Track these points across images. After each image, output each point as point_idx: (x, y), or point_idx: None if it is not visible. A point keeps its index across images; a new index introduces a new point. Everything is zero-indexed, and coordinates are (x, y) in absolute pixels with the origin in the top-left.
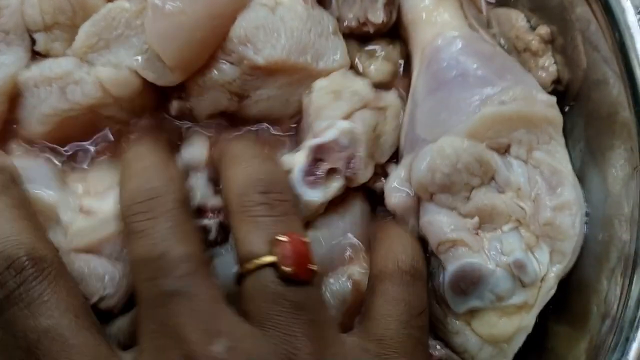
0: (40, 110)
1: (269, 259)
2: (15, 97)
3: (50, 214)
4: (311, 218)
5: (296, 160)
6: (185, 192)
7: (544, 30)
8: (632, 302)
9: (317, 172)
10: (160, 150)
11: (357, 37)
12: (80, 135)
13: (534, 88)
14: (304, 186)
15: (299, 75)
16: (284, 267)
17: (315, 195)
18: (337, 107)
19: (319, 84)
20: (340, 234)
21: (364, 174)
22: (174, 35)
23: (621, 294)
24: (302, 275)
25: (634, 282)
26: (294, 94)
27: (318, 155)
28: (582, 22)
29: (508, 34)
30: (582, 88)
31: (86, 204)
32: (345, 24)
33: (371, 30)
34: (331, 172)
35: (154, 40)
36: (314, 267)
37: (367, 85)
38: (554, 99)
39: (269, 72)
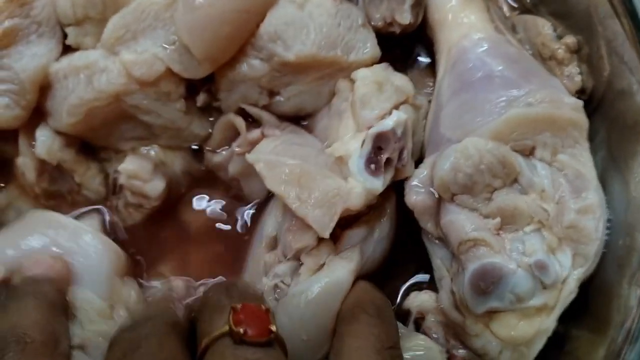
0: (69, 101)
1: (223, 328)
2: (46, 88)
3: None
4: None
5: (352, 146)
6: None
7: (570, 39)
8: None
9: (379, 161)
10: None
11: (383, 36)
12: (108, 128)
13: (561, 91)
14: (365, 173)
15: (330, 69)
16: (238, 329)
17: (378, 184)
18: (386, 99)
19: (362, 73)
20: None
21: (410, 168)
22: (204, 28)
23: None
24: (258, 336)
25: None
26: (325, 85)
27: (378, 143)
28: (609, 33)
29: (534, 41)
30: (605, 96)
31: None
32: (371, 24)
33: (397, 30)
34: (387, 162)
35: (184, 32)
36: (273, 328)
37: (408, 81)
38: (580, 102)
39: (300, 67)
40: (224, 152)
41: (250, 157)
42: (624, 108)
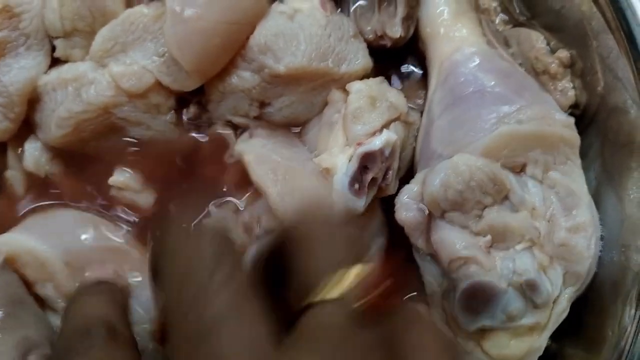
0: (58, 114)
1: (335, 292)
2: (34, 101)
3: None
4: None
5: (339, 161)
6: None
7: (563, 54)
8: None
9: (363, 181)
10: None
11: (375, 49)
12: (97, 141)
13: (552, 108)
14: (348, 192)
15: (321, 80)
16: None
17: (359, 204)
18: (378, 116)
19: (357, 86)
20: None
21: (394, 187)
22: (192, 40)
23: (634, 318)
24: (371, 311)
25: None
26: (317, 96)
27: (364, 162)
28: (603, 48)
29: (527, 55)
30: (598, 112)
31: None
32: (363, 36)
33: (388, 44)
34: (371, 181)
35: (172, 45)
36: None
37: (402, 97)
38: (571, 119)
39: (291, 79)
40: None
41: (239, 147)
42: (617, 124)
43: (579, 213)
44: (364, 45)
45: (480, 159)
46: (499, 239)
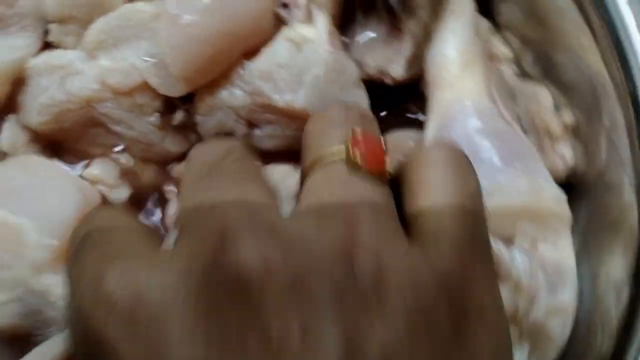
0: (40, 100)
1: (337, 148)
2: (20, 82)
3: None
4: None
5: None
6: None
7: (569, 117)
8: None
9: None
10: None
11: (375, 85)
12: (78, 132)
13: (544, 179)
14: None
15: None
16: (355, 155)
17: None
18: None
19: None
20: None
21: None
22: (185, 46)
23: None
24: (375, 171)
25: None
26: None
27: None
28: (611, 121)
29: (531, 111)
30: (595, 185)
31: None
32: (364, 70)
33: (389, 82)
34: None
35: (164, 47)
36: (388, 167)
37: None
38: (563, 195)
39: (284, 114)
40: None
41: None
42: (609, 203)
43: (563, 295)
44: (365, 95)
45: None
46: None
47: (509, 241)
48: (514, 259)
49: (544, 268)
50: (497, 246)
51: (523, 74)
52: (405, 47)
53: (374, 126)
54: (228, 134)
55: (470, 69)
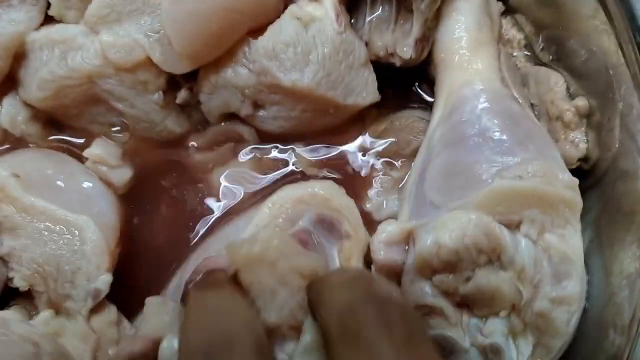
0: (40, 75)
1: None
2: (20, 57)
3: None
4: None
5: None
6: (262, 331)
7: (582, 102)
8: None
9: None
10: (227, 291)
11: (382, 66)
12: (79, 109)
13: (557, 165)
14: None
15: (324, 105)
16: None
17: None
18: None
19: None
20: None
21: None
22: (189, 22)
23: None
24: None
25: None
26: (317, 120)
27: None
28: (626, 106)
29: (543, 97)
30: (607, 174)
31: None
32: (372, 51)
33: (398, 63)
34: None
35: (167, 23)
36: None
37: None
38: (576, 181)
39: (290, 94)
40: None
41: None
42: (623, 191)
43: (568, 284)
44: (373, 77)
45: (474, 214)
46: (485, 303)
47: (514, 227)
48: (518, 245)
49: (549, 257)
50: (501, 231)
51: (535, 59)
52: (415, 28)
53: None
54: (231, 115)
55: (481, 51)
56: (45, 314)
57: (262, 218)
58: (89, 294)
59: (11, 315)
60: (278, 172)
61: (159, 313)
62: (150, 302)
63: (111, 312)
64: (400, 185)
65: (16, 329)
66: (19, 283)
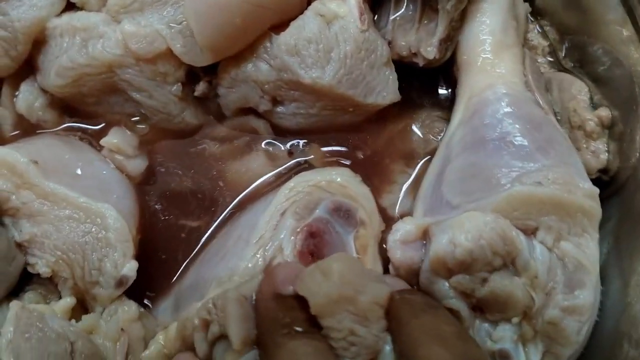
0: (60, 62)
1: None
2: (40, 43)
3: None
4: None
5: None
6: None
7: (605, 113)
8: None
9: None
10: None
11: (404, 65)
12: (97, 97)
13: (577, 173)
14: None
15: (344, 103)
16: None
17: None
18: None
19: None
20: None
21: None
22: (212, 14)
23: None
24: None
25: None
26: (336, 117)
27: None
28: None
29: (566, 104)
30: (627, 184)
31: None
32: (395, 50)
33: (421, 63)
34: None
35: (190, 15)
36: None
37: None
38: (596, 190)
39: (310, 91)
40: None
41: None
42: None
43: (581, 294)
44: (394, 76)
45: (491, 216)
46: (499, 309)
47: (530, 232)
48: (533, 250)
49: (564, 265)
50: (517, 235)
51: (558, 65)
52: (440, 28)
53: None
54: (247, 108)
55: (505, 54)
56: (66, 300)
57: (280, 201)
58: (116, 281)
59: (49, 310)
60: (293, 164)
61: None
62: None
63: (132, 307)
64: (415, 184)
65: (54, 326)
66: (43, 269)
